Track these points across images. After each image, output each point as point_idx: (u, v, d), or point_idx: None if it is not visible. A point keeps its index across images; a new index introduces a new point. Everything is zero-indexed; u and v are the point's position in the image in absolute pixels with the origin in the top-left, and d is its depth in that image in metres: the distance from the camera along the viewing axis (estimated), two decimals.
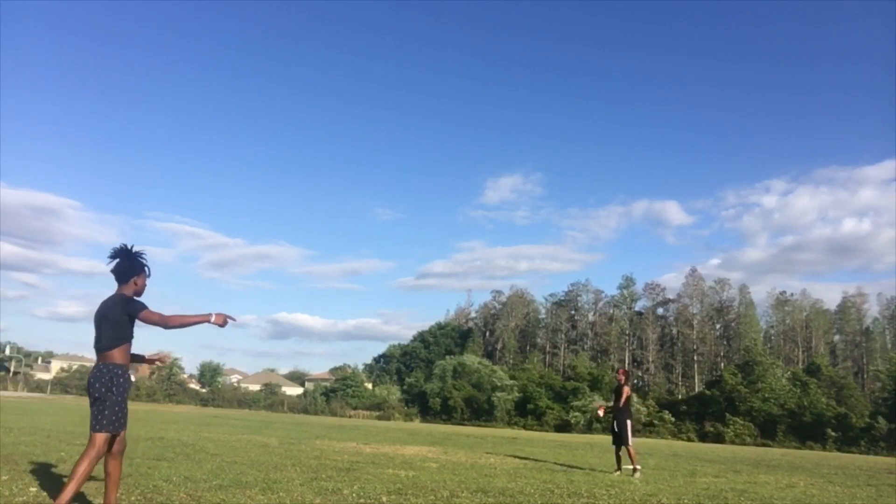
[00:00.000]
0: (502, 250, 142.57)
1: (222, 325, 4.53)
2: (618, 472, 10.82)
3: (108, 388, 4.38)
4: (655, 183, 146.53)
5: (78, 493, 4.26)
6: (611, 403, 11.85)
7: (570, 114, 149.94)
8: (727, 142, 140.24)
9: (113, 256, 4.61)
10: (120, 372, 4.45)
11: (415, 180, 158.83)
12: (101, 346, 4.47)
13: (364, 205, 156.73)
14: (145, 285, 4.71)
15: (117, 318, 4.45)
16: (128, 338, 4.53)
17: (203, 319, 4.49)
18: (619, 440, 11.11)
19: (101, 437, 4.32)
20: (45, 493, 5.37)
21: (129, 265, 4.62)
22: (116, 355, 4.46)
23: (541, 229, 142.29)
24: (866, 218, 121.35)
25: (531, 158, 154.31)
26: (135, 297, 4.57)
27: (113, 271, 4.61)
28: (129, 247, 4.66)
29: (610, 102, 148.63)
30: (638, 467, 10.92)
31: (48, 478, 6.29)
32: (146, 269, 4.71)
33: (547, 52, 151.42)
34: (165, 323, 4.39)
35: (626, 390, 11.29)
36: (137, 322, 4.56)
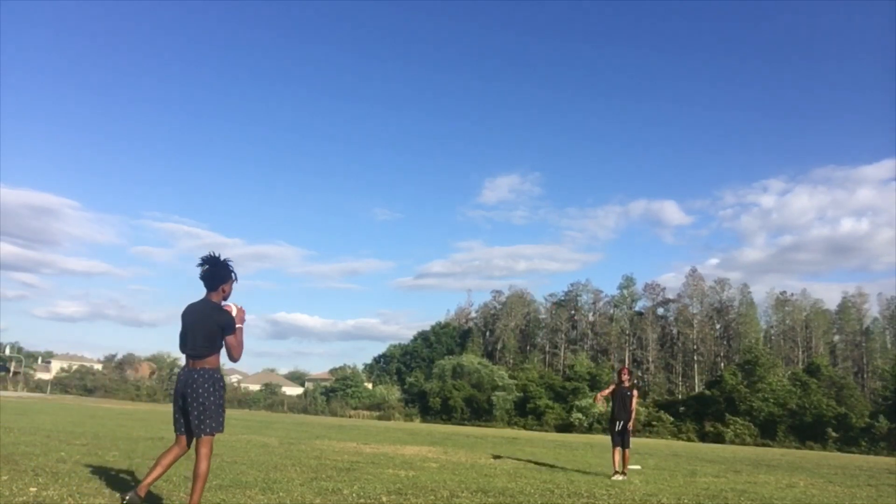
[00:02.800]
0: (501, 250, 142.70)
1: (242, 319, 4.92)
2: (622, 475, 10.69)
3: (212, 392, 4.64)
4: (653, 182, 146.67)
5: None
6: (607, 393, 11.41)
7: (567, 113, 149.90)
8: (725, 141, 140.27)
9: (203, 263, 4.82)
10: (219, 376, 4.74)
11: (412, 180, 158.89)
12: (197, 352, 4.69)
13: (362, 204, 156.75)
14: (231, 292, 4.96)
15: (212, 327, 4.68)
16: (220, 346, 4.77)
17: (240, 328, 4.85)
18: (622, 442, 10.88)
19: (211, 439, 4.66)
20: (45, 494, 5.36)
21: (218, 272, 4.82)
22: (213, 361, 4.73)
23: (539, 229, 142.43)
24: (864, 218, 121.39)
25: (529, 158, 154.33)
26: (225, 311, 4.77)
27: (202, 278, 4.81)
28: (218, 255, 4.86)
29: (607, 102, 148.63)
30: (626, 470, 10.57)
31: (48, 478, 6.28)
32: (234, 275, 4.90)
33: (544, 51, 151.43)
34: (235, 358, 4.77)
35: (636, 394, 11.14)
36: None
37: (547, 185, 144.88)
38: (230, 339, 4.69)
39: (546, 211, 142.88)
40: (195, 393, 4.59)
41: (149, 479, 4.61)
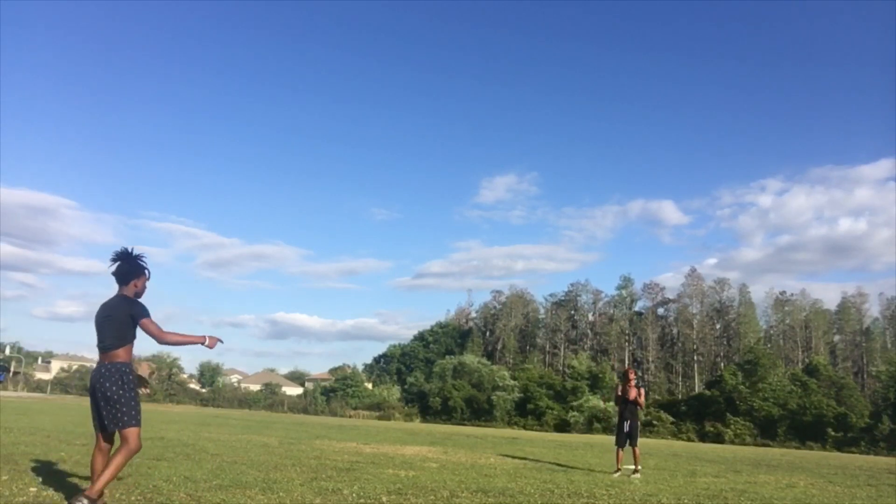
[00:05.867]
0: (499, 250, 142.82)
1: (212, 348, 4.80)
2: (618, 473, 10.81)
3: (119, 385, 4.56)
4: (651, 182, 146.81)
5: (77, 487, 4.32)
6: (618, 395, 11.47)
7: (564, 113, 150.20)
8: (722, 141, 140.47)
9: (114, 259, 4.77)
10: (126, 370, 4.63)
11: (410, 180, 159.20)
12: (106, 345, 4.63)
13: (360, 204, 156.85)
14: (145, 287, 4.88)
15: (122, 319, 4.62)
16: (131, 338, 4.70)
17: (197, 340, 4.72)
18: (626, 440, 11.02)
19: (135, 432, 4.53)
20: (45, 493, 5.36)
21: (129, 267, 4.77)
22: (121, 354, 4.64)
23: (537, 229, 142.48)
24: (862, 217, 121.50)
25: (526, 158, 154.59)
26: (137, 300, 4.74)
27: (114, 274, 4.76)
28: (130, 249, 4.81)
29: (604, 101, 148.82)
30: (639, 468, 10.91)
31: (48, 478, 6.28)
32: (146, 271, 4.86)
33: (542, 52, 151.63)
34: (161, 337, 4.61)
35: (643, 392, 11.35)
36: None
37: (544, 185, 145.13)
38: (148, 323, 4.59)
39: (544, 211, 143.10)
40: (103, 387, 4.54)
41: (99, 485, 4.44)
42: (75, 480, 6.26)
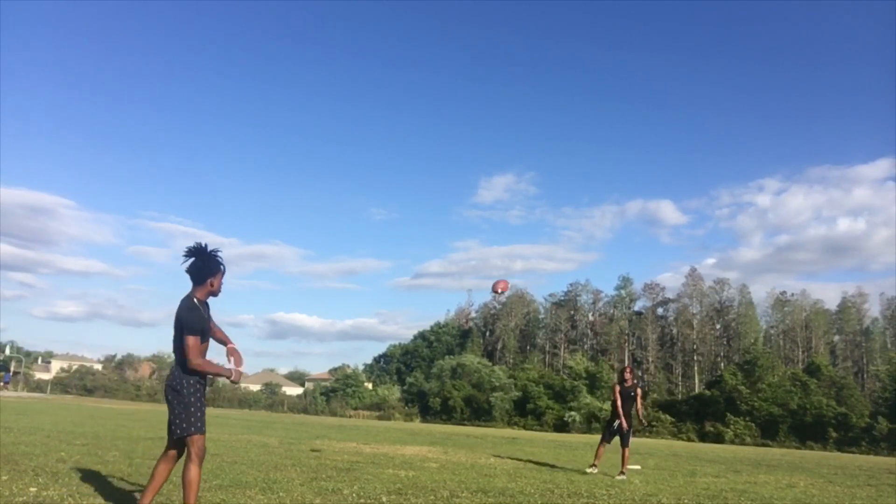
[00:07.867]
0: (497, 250, 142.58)
1: (236, 383, 4.47)
2: (636, 468, 10.69)
3: (176, 390, 4.37)
4: (649, 182, 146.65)
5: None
6: (612, 403, 11.40)
7: (562, 113, 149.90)
8: (720, 140, 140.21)
9: (188, 255, 4.50)
10: (177, 374, 4.41)
11: (409, 180, 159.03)
12: (173, 348, 4.46)
13: (358, 204, 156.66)
14: (222, 285, 4.62)
15: (176, 325, 4.38)
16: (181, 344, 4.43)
17: (224, 374, 4.45)
18: (611, 437, 10.97)
19: (193, 439, 4.35)
20: (45, 494, 5.36)
21: (204, 265, 4.50)
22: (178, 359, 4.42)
23: (535, 229, 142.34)
24: (861, 217, 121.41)
25: (524, 157, 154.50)
26: (195, 306, 4.43)
27: (188, 271, 4.50)
28: (205, 245, 4.53)
29: (602, 101, 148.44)
30: (625, 469, 10.63)
31: (48, 478, 6.28)
32: (222, 267, 4.59)
33: (540, 51, 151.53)
34: (190, 361, 4.32)
35: (640, 392, 11.25)
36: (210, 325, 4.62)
37: (542, 185, 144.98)
38: (189, 342, 4.30)
39: (542, 211, 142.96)
40: (166, 392, 4.44)
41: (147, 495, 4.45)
42: (75, 480, 6.26)
